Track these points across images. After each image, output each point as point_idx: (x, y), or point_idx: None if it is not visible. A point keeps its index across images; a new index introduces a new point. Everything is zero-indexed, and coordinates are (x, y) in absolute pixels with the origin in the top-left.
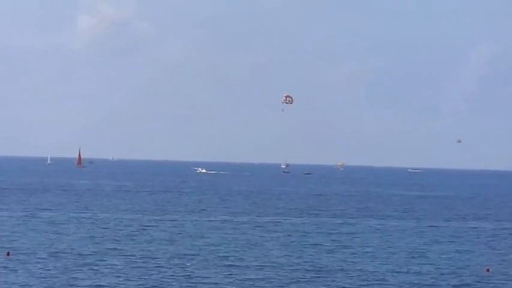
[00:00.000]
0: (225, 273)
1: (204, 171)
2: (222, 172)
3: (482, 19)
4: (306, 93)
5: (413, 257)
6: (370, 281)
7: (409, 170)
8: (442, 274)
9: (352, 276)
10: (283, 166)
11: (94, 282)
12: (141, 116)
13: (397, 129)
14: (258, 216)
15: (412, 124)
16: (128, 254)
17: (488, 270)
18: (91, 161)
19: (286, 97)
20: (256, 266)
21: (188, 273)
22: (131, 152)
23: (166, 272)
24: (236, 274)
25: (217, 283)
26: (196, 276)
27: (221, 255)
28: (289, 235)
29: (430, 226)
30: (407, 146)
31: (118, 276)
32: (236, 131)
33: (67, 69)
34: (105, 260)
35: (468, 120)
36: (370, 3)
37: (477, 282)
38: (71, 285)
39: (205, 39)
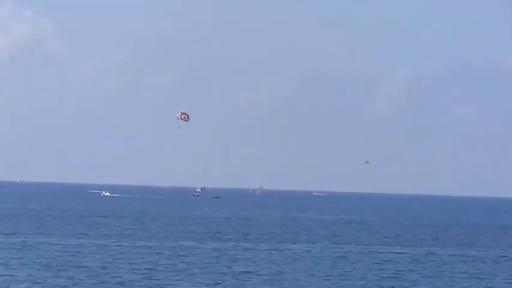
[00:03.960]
0: None
1: (107, 194)
2: (126, 195)
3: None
4: (222, 113)
5: (332, 282)
6: None
7: (315, 193)
8: None
9: None
10: (198, 190)
11: None
12: (52, 136)
13: (301, 153)
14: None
15: (317, 148)
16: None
17: None
18: None
19: (182, 114)
20: None
21: None
22: (41, 174)
23: None
24: None
25: None
26: None
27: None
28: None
29: (348, 251)
30: (312, 169)
31: None
32: (151, 152)
33: None
34: None
35: (376, 143)
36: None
37: None
38: None
39: (123, 60)
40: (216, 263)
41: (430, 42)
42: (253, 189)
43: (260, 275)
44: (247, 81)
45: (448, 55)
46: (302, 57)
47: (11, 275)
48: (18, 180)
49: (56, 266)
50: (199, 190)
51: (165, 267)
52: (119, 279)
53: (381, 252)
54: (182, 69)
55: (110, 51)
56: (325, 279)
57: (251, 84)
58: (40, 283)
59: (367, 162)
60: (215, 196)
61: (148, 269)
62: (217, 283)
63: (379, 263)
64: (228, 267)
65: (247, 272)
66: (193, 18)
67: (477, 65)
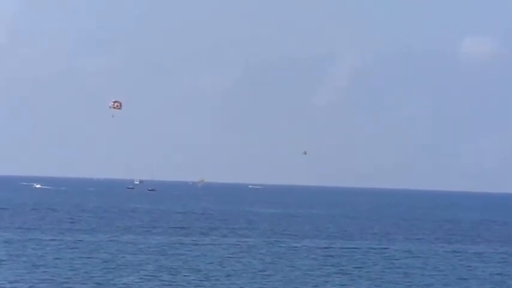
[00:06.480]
0: None
1: (38, 186)
2: (59, 188)
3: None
4: (161, 104)
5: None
6: None
7: (250, 186)
8: None
9: None
10: (136, 182)
11: None
12: None
13: (239, 144)
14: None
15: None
16: None
17: None
18: None
19: (114, 102)
20: None
21: None
22: None
23: None
24: None
25: None
26: None
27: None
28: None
29: (296, 247)
30: (249, 160)
31: None
32: (86, 143)
33: None
34: None
35: (317, 134)
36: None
37: None
38: None
39: (59, 47)
40: (154, 257)
41: (377, 27)
42: (193, 182)
43: (196, 270)
44: (187, 71)
45: (396, 40)
46: (240, 49)
47: None
48: None
49: None
50: (137, 183)
51: (104, 262)
52: (57, 277)
53: (327, 248)
54: (121, 57)
55: (48, 37)
56: (263, 276)
57: (191, 74)
58: None
59: (304, 153)
60: (150, 189)
61: (87, 264)
62: (153, 277)
63: (326, 259)
64: (165, 262)
65: (184, 268)
66: (133, 4)
67: (427, 51)
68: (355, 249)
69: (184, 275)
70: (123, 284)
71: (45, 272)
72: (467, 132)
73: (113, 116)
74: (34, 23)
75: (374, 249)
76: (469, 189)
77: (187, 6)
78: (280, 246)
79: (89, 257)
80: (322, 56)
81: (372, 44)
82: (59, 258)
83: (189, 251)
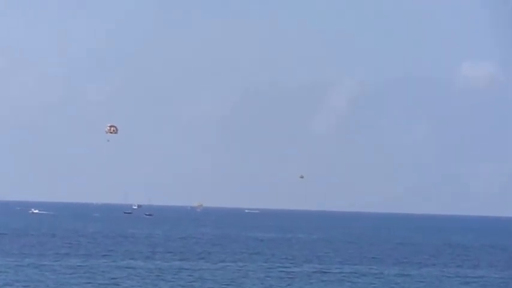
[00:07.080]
0: None
1: (36, 211)
2: (56, 213)
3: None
4: (158, 129)
5: None
6: None
7: (247, 210)
8: None
9: None
10: (134, 207)
11: None
12: None
13: (235, 168)
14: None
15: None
16: None
17: None
18: None
19: (110, 127)
20: None
21: None
22: None
23: None
24: None
25: None
26: None
27: None
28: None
29: (295, 272)
30: (244, 185)
31: None
32: (82, 168)
33: None
34: None
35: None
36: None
37: None
38: None
39: (58, 74)
40: (153, 282)
41: (375, 53)
42: (192, 207)
43: None
44: (185, 97)
45: (394, 66)
46: (239, 76)
47: None
48: None
49: None
50: (135, 207)
51: (103, 287)
52: None
53: (326, 272)
54: (119, 83)
55: (46, 65)
56: None
57: (189, 100)
58: None
59: (301, 177)
60: (147, 214)
61: None
62: None
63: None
64: (164, 287)
65: None
66: (131, 29)
67: (426, 76)
68: (354, 274)
69: None
70: None
71: None
72: (467, 157)
73: (108, 141)
74: (33, 50)
75: (373, 273)
76: (469, 213)
77: (186, 33)
78: (279, 271)
79: (88, 282)
80: (321, 82)
81: (371, 70)
82: (58, 284)
83: (189, 275)
